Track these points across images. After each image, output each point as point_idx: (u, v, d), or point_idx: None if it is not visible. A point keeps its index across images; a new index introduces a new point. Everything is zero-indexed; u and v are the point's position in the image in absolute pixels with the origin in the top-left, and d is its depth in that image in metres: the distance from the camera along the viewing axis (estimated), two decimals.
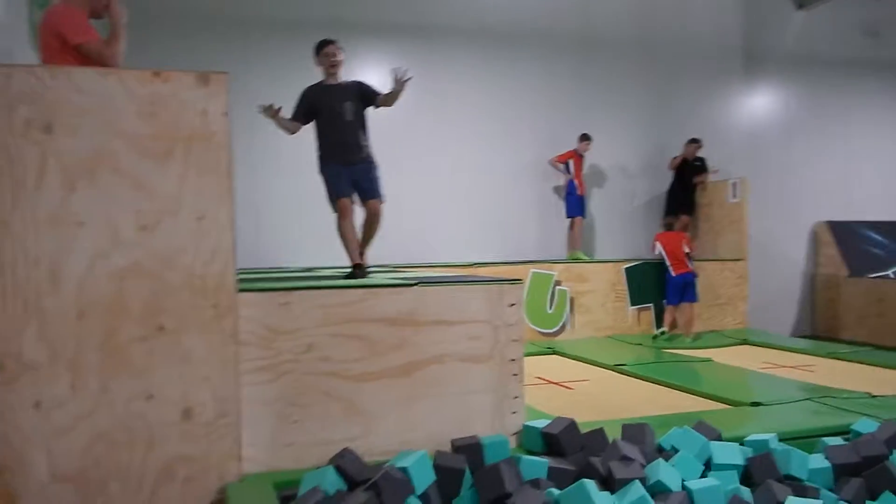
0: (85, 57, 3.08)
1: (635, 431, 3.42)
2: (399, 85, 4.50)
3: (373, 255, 8.61)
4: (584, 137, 8.97)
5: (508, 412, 3.58)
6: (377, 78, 8.75)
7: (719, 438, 3.43)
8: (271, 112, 4.50)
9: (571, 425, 3.39)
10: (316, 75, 5.00)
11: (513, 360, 3.58)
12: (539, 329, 8.14)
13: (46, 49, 3.11)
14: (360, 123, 4.76)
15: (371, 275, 4.57)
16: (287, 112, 4.86)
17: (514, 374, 3.59)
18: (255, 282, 3.67)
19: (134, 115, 2.96)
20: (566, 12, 9.42)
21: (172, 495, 2.99)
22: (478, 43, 9.12)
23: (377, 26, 8.75)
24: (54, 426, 2.87)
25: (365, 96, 4.81)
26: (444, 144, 8.94)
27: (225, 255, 3.07)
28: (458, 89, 8.98)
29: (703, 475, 3.16)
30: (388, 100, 4.69)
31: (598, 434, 3.41)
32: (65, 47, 3.05)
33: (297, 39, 8.29)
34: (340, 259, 8.41)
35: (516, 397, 3.60)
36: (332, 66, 4.56)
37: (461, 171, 8.98)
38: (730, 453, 3.27)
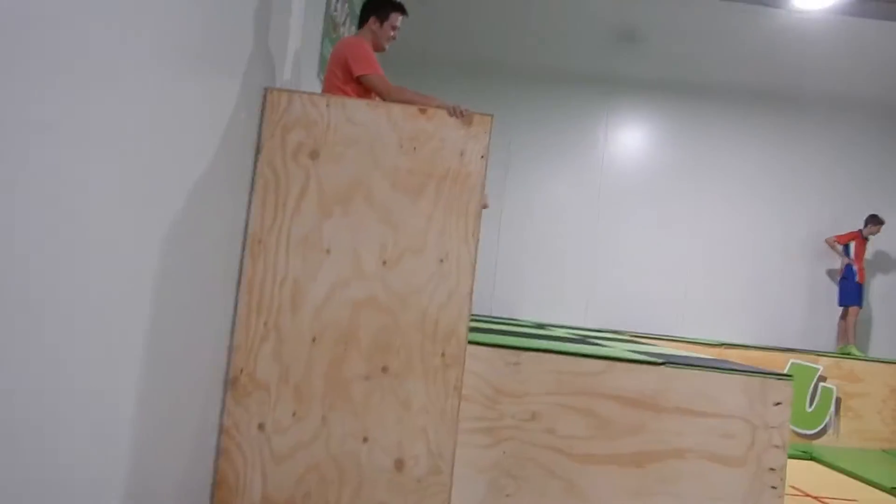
0: (365, 89, 3.12)
1: None
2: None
3: (609, 318, 8.28)
4: (875, 220, 7.82)
5: None
6: (639, 139, 8.59)
7: None
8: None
9: None
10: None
11: (772, 469, 3.00)
12: (795, 429, 7.11)
13: (330, 79, 3.20)
14: None
15: (607, 342, 4.18)
16: None
17: (773, 487, 3.01)
18: (486, 333, 3.46)
19: (395, 149, 2.92)
20: (865, 75, 8.39)
21: None
22: (758, 103, 8.41)
23: (638, 82, 8.43)
24: (274, 451, 2.84)
25: None
26: (708, 209, 8.30)
27: (461, 302, 2.90)
28: (731, 153, 8.33)
29: None
30: None
31: None
32: (347, 77, 3.12)
33: (560, 87, 8.34)
34: (571, 317, 8.22)
35: None
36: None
37: (723, 240, 8.26)
38: None
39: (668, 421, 2.97)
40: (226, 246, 2.77)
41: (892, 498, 5.11)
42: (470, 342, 2.94)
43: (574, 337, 4.33)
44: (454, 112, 2.93)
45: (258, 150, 2.89)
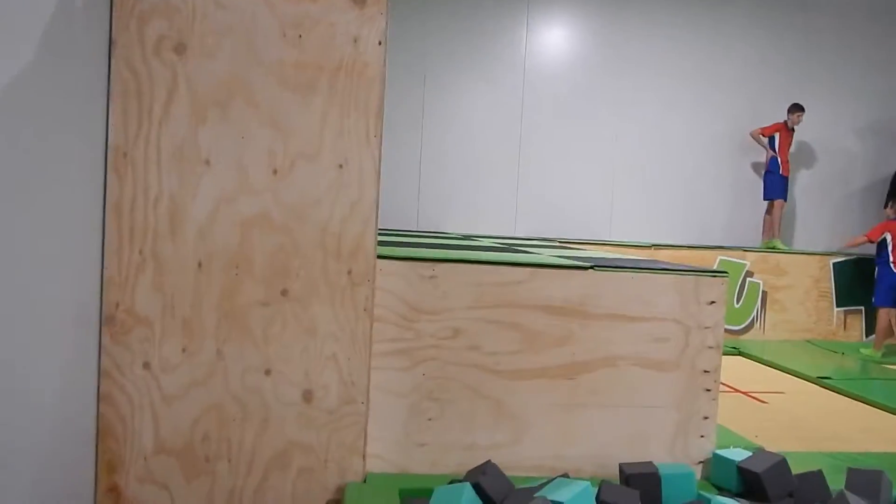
0: None
1: (866, 480, 2.59)
2: None
3: (538, 227, 8.05)
4: (796, 108, 7.68)
5: (695, 435, 2.86)
6: (562, 38, 8.11)
7: None
8: None
9: (781, 464, 2.62)
10: None
11: (706, 371, 2.84)
12: None
13: None
14: None
15: (534, 250, 3.94)
16: None
17: (707, 390, 2.86)
18: (399, 247, 3.16)
19: (277, 38, 2.50)
20: None
21: (284, 486, 2.58)
22: None
23: None
24: (163, 391, 2.52)
25: None
26: (633, 109, 8.03)
27: (366, 212, 2.57)
28: (645, 47, 8.02)
29: None
30: None
31: (815, 478, 2.63)
32: None
33: None
34: (499, 228, 7.96)
35: (706, 418, 2.87)
36: None
37: (644, 139, 8.06)
38: None
39: (598, 328, 2.76)
40: (83, 162, 2.34)
41: (816, 387, 5.17)
42: (380, 257, 2.63)
43: (499, 246, 4.07)
44: None
45: (111, 46, 2.43)
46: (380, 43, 2.54)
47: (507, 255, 3.03)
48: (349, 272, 2.57)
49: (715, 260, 7.17)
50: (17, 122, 1.88)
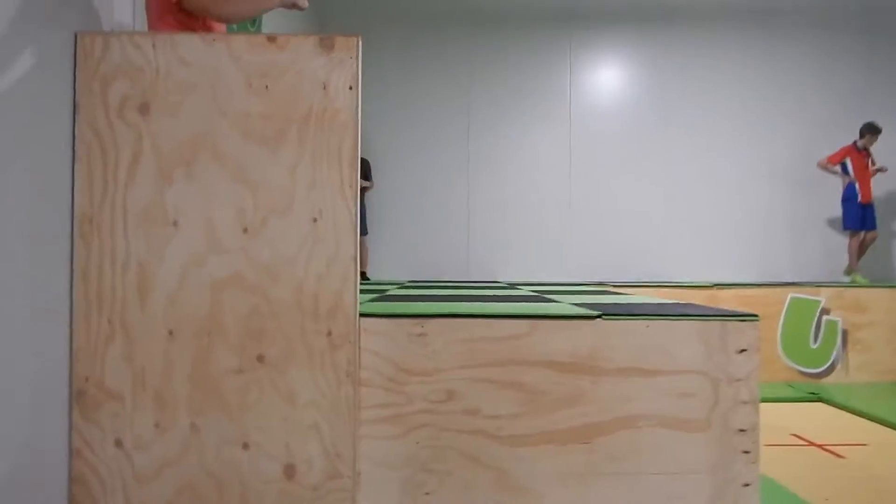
0: (188, 16, 2.54)
1: None
2: None
3: (592, 271, 7.72)
4: (870, 128, 7.15)
5: None
6: (607, 76, 7.91)
7: None
8: None
9: None
10: None
11: (742, 430, 2.48)
12: (800, 367, 6.59)
13: (149, 16, 2.61)
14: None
15: (560, 296, 3.65)
16: None
17: (746, 452, 2.49)
18: (383, 303, 2.94)
19: (243, 89, 2.38)
20: None
21: None
22: (732, 25, 7.76)
23: (604, 12, 7.80)
24: (136, 471, 2.35)
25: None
26: (686, 144, 7.71)
27: (344, 267, 2.38)
28: (693, 83, 7.73)
29: None
30: None
31: None
32: (163, 7, 2.53)
33: (520, 25, 7.70)
34: (552, 274, 7.67)
35: (747, 485, 2.49)
36: None
37: (698, 176, 7.70)
38: None
39: (613, 385, 2.45)
40: (49, 230, 2.25)
41: None
42: (362, 315, 2.42)
43: (530, 295, 3.80)
44: (293, 4, 2.42)
45: (75, 110, 2.35)
46: (351, 88, 2.39)
47: (506, 305, 2.77)
48: (328, 333, 2.37)
49: (786, 297, 6.65)
50: None
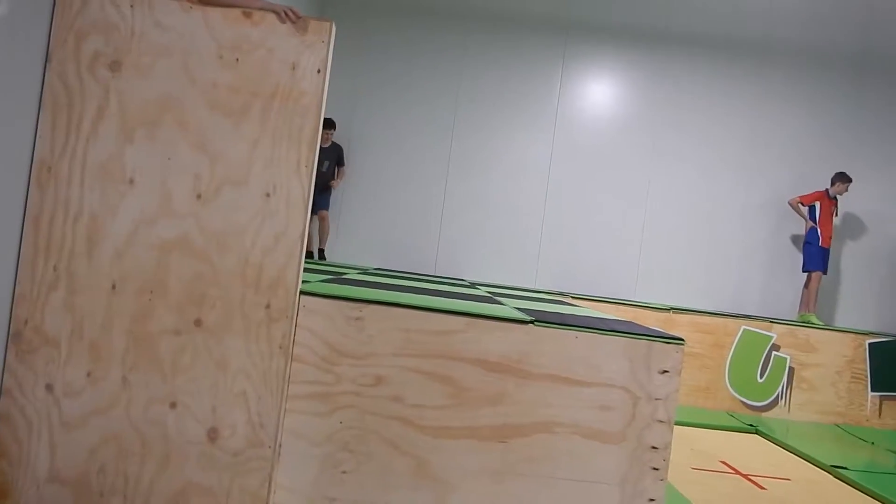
0: None
1: None
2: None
3: (561, 281, 7.84)
4: (842, 177, 7.29)
5: None
6: (598, 85, 8.03)
7: None
8: None
9: None
10: None
11: (655, 447, 2.58)
12: (743, 399, 6.72)
13: None
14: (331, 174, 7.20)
15: (510, 300, 3.73)
16: None
17: (655, 469, 2.59)
18: (329, 284, 3.01)
19: (213, 60, 2.44)
20: (839, 24, 7.84)
21: None
22: (723, 55, 7.86)
23: (601, 28, 7.89)
24: (64, 417, 2.40)
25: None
26: (661, 169, 7.82)
27: (291, 244, 2.44)
28: (681, 108, 7.83)
29: None
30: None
31: None
32: None
33: (514, 31, 7.78)
34: (520, 279, 7.78)
35: (653, 500, 2.59)
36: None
37: (677, 201, 7.80)
38: None
39: (536, 389, 2.54)
40: (5, 173, 2.30)
41: (829, 476, 4.73)
42: (303, 293, 2.49)
43: (482, 295, 3.87)
44: (286, 17, 2.45)
45: (47, 60, 2.40)
46: (319, 71, 2.46)
47: (450, 301, 2.85)
48: (267, 306, 2.43)
49: (738, 330, 6.78)
50: None
